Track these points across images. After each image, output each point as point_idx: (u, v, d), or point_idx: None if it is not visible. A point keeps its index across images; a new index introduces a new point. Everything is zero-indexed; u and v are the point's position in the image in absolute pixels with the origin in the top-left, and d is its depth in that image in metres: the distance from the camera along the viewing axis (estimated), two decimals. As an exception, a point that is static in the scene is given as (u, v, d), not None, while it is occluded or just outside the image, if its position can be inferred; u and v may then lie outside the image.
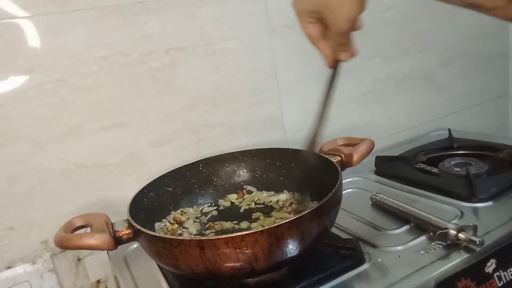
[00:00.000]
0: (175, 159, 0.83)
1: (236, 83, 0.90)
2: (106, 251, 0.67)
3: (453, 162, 0.88)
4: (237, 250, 0.48)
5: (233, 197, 0.79)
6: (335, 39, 0.49)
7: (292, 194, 0.76)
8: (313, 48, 0.51)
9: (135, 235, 0.56)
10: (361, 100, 1.08)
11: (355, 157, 0.68)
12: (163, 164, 0.80)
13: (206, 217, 0.75)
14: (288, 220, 0.49)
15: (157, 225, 0.69)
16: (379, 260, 0.60)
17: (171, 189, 0.75)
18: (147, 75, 0.81)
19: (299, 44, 0.97)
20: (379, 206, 0.76)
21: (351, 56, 0.51)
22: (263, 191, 0.78)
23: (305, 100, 0.98)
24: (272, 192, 0.78)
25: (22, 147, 0.72)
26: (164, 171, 0.74)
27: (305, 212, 0.50)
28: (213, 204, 0.78)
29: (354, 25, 0.47)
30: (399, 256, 0.61)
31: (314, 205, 0.53)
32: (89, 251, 0.79)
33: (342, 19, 0.46)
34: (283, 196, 0.76)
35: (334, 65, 0.52)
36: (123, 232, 0.56)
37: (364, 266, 0.59)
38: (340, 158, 0.69)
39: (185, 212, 0.74)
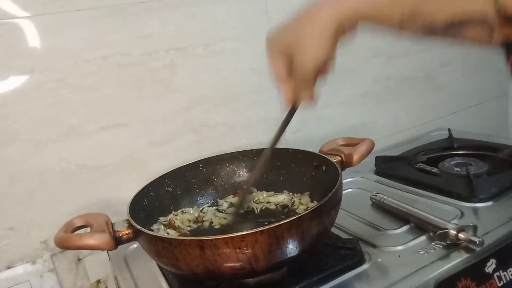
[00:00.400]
0: (175, 159, 0.83)
1: (236, 83, 0.90)
2: (106, 251, 0.67)
3: (453, 162, 0.88)
4: (237, 250, 0.48)
5: (233, 199, 0.79)
6: (298, 80, 0.49)
7: (291, 194, 0.76)
8: (276, 86, 0.51)
9: (135, 235, 0.56)
10: (361, 100, 1.08)
11: (355, 157, 0.68)
12: (163, 164, 0.80)
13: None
14: (288, 220, 0.49)
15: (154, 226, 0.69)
16: (379, 260, 0.60)
17: (171, 189, 0.75)
18: (147, 75, 0.81)
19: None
20: (379, 206, 0.76)
21: (310, 101, 0.51)
22: (263, 191, 0.78)
23: (305, 100, 0.98)
24: (272, 192, 0.78)
25: (22, 147, 0.72)
26: (164, 171, 0.74)
27: (305, 212, 0.50)
28: (213, 204, 0.78)
29: (320, 70, 0.47)
30: (399, 256, 0.61)
31: (313, 205, 0.53)
32: (89, 251, 0.79)
33: (308, 61, 0.46)
34: (282, 197, 0.76)
35: (292, 106, 0.52)
36: (123, 232, 0.56)
37: (364, 266, 0.59)
38: (340, 158, 0.69)
39: (185, 212, 0.74)
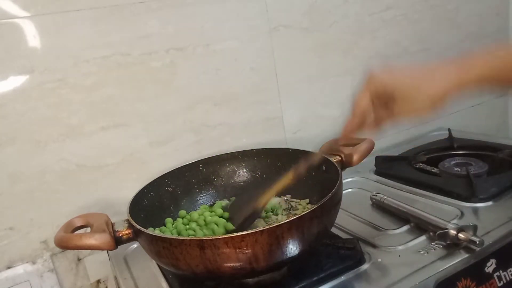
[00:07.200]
0: (175, 159, 0.83)
1: (236, 83, 0.90)
2: (106, 251, 0.67)
3: (453, 162, 0.88)
4: (237, 250, 0.48)
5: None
6: (384, 120, 0.52)
7: (285, 198, 0.75)
8: (349, 111, 0.54)
9: (135, 235, 0.56)
10: (361, 100, 1.08)
11: (355, 157, 0.68)
12: (163, 164, 0.80)
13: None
14: (288, 220, 0.49)
15: None
16: (379, 260, 0.60)
17: (171, 189, 0.75)
18: (147, 75, 0.81)
19: (299, 44, 0.98)
20: (379, 206, 0.76)
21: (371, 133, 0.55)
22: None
23: (305, 100, 0.98)
24: None
25: (22, 147, 0.72)
26: (164, 171, 0.74)
27: (305, 212, 0.50)
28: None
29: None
30: (399, 256, 0.61)
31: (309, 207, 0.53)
32: (89, 251, 0.79)
33: (410, 113, 0.50)
34: (274, 200, 0.74)
35: (350, 135, 0.55)
36: (123, 232, 0.56)
37: (364, 266, 0.59)
38: (340, 158, 0.69)
39: None
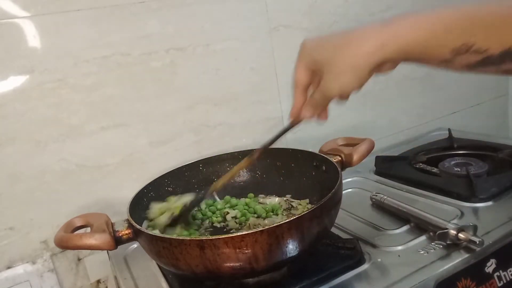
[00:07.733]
0: (175, 159, 0.83)
1: (236, 83, 0.90)
2: (106, 251, 0.67)
3: (453, 162, 0.88)
4: (237, 250, 0.48)
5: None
6: (315, 97, 0.48)
7: (285, 198, 0.75)
8: (291, 93, 0.51)
9: (135, 235, 0.56)
10: (361, 100, 1.08)
11: (355, 157, 0.68)
12: (163, 164, 0.80)
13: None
14: (288, 220, 0.49)
15: None
16: (379, 260, 0.60)
17: (171, 189, 0.75)
18: (147, 75, 0.81)
19: (299, 44, 0.98)
20: (379, 206, 0.76)
21: (318, 120, 0.51)
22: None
23: (305, 100, 0.99)
24: (262, 195, 0.77)
25: (22, 147, 0.72)
26: (164, 171, 0.74)
27: (305, 212, 0.50)
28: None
29: (341, 97, 0.47)
30: (399, 256, 0.61)
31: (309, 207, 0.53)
32: (89, 251, 0.79)
33: (334, 89, 0.45)
34: (274, 200, 0.75)
35: (297, 118, 0.51)
36: (123, 232, 0.56)
37: (364, 266, 0.59)
38: (340, 158, 0.69)
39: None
